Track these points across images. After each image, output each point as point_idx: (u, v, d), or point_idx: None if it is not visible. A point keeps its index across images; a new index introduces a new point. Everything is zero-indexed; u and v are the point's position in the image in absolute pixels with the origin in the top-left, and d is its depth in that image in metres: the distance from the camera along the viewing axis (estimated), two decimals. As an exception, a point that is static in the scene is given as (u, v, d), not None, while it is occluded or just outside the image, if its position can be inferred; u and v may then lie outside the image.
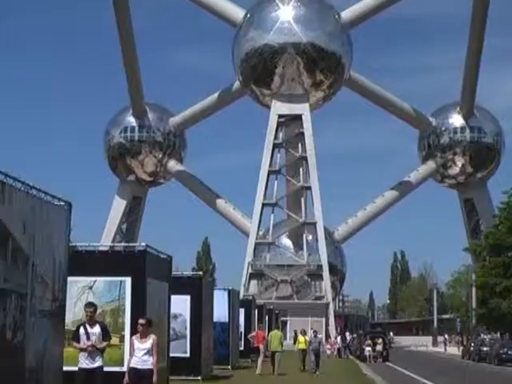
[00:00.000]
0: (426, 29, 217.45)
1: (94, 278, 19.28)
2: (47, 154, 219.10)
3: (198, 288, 27.54)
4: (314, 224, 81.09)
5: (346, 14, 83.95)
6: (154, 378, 13.97)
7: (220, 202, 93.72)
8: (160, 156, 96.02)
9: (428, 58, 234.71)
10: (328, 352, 55.77)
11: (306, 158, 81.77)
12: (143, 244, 19.70)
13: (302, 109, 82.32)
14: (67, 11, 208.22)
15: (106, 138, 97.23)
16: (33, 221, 11.36)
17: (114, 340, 17.57)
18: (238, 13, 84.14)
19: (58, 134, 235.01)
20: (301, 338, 37.16)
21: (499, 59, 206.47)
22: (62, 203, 12.59)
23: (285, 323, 73.86)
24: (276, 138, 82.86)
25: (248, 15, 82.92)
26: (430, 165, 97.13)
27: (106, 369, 13.98)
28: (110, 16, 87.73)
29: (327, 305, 79.45)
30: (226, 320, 34.80)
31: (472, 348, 56.48)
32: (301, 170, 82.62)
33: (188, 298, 27.16)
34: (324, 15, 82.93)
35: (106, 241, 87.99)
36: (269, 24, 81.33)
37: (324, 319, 77.75)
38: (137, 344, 14.12)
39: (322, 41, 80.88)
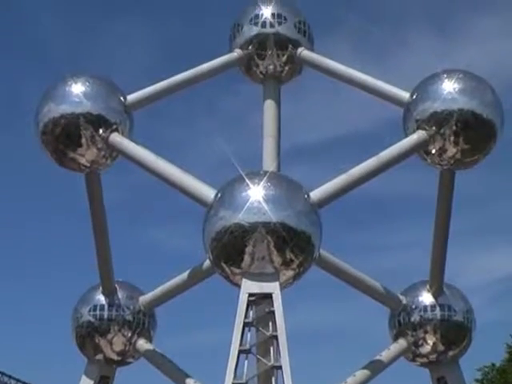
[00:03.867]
0: (393, 207, 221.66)
1: None
2: (13, 339, 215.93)
3: None
4: (286, 404, 79.42)
5: (316, 194, 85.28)
6: None
7: (189, 382, 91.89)
8: (129, 335, 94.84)
9: (395, 235, 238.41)
10: None
11: (276, 337, 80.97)
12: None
13: (273, 287, 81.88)
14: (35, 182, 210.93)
15: (75, 315, 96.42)
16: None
17: None
18: (208, 192, 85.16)
19: (20, 313, 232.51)
20: None
21: (466, 235, 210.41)
22: (26, 387, 12.39)
23: None
24: (246, 316, 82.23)
25: (219, 194, 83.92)
26: (402, 343, 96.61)
27: None
28: (81, 193, 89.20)
29: None
30: None
31: None
32: (271, 348, 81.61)
33: None
34: (294, 195, 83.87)
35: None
36: (239, 203, 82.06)
37: None
38: None
39: (291, 220, 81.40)
